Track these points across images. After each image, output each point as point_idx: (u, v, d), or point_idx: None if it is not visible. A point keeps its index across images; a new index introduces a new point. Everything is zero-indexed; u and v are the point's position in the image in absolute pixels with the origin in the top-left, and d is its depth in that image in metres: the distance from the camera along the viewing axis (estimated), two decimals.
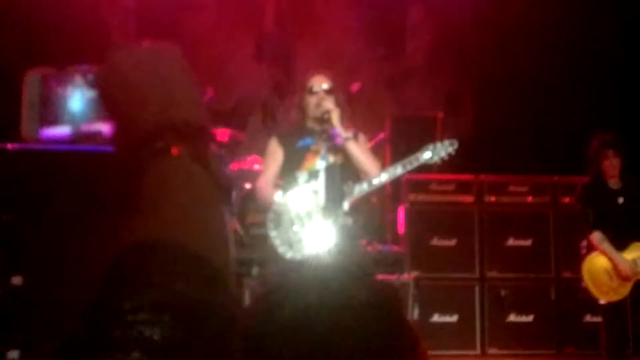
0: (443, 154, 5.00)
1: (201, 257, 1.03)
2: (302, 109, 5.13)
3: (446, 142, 5.03)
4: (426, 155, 4.97)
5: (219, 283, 1.04)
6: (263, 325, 1.08)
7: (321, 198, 4.88)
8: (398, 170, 4.92)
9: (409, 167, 4.93)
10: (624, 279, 5.82)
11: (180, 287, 0.97)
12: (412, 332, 1.32)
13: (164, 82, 1.28)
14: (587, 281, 5.95)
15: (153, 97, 1.24)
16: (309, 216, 4.86)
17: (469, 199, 7.48)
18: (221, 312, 1.02)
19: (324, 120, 4.97)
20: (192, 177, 1.21)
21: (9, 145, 6.07)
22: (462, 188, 7.49)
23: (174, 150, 1.23)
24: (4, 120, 6.17)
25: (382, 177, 4.92)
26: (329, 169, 4.90)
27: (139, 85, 1.26)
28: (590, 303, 6.19)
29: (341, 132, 4.90)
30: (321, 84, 5.09)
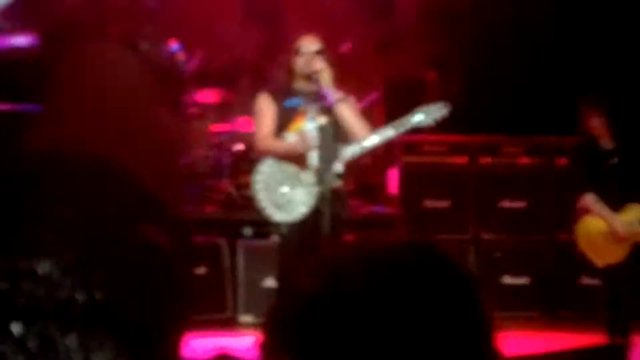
0: (435, 116, 4.93)
1: (125, 173, 0.76)
2: (290, 70, 5.05)
3: (439, 105, 4.96)
4: (418, 117, 4.90)
5: (152, 208, 0.77)
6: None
7: (312, 159, 4.81)
8: (389, 132, 4.85)
9: (401, 130, 4.87)
10: (619, 240, 5.74)
11: (94, 221, 0.73)
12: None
13: None
14: (583, 244, 5.87)
15: None
16: (297, 177, 4.79)
17: (462, 160, 7.40)
18: (154, 253, 0.75)
19: (314, 80, 4.87)
20: (119, 61, 0.94)
21: None
22: (456, 149, 7.40)
23: (98, 30, 0.95)
24: None
25: (374, 139, 4.84)
26: (322, 130, 4.81)
27: None
28: (586, 265, 6.12)
29: (332, 92, 4.81)
30: (310, 44, 5.00)
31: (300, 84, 4.99)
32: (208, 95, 7.63)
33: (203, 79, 7.76)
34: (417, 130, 5.19)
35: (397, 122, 4.87)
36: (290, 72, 5.03)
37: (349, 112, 4.88)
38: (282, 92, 5.04)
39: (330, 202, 4.58)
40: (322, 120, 4.85)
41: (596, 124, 5.91)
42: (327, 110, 4.85)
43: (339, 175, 4.76)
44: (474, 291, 1.11)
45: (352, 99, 5.10)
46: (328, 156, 4.74)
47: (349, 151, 4.80)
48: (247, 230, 6.49)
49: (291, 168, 4.82)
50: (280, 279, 5.03)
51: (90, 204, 0.72)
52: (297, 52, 5.00)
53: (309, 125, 4.86)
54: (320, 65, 4.87)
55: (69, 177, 0.74)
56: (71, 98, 0.84)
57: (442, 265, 1.12)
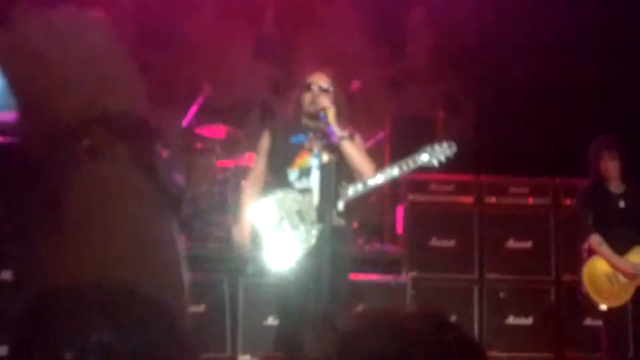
0: (441, 157, 4.87)
1: (146, 295, 0.84)
2: (299, 106, 5.02)
3: (445, 144, 4.89)
4: (423, 157, 4.85)
5: (168, 322, 0.85)
6: None
7: (314, 197, 4.78)
8: (394, 171, 4.80)
9: (406, 169, 4.81)
10: (630, 278, 5.72)
11: (121, 336, 0.80)
12: None
13: (91, 60, 0.98)
14: (588, 286, 5.85)
15: (78, 80, 0.96)
16: (300, 216, 4.77)
17: (468, 199, 7.40)
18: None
19: (319, 117, 4.85)
20: (130, 185, 0.95)
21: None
22: (462, 188, 7.41)
23: (107, 150, 0.95)
24: None
25: (378, 178, 4.80)
26: (324, 168, 4.78)
27: (58, 63, 0.96)
28: (590, 306, 6.08)
29: (337, 130, 4.79)
30: (318, 81, 4.98)
31: (307, 121, 4.97)
32: (215, 131, 7.67)
33: (211, 115, 7.81)
34: (423, 169, 5.16)
35: (402, 161, 4.82)
36: (299, 108, 5.02)
37: (354, 151, 4.85)
38: (289, 128, 5.02)
39: (331, 240, 4.54)
40: (327, 157, 4.81)
41: (607, 167, 5.91)
42: (333, 147, 4.81)
43: (341, 214, 4.74)
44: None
45: (358, 138, 5.07)
46: (330, 194, 4.71)
47: (352, 190, 4.77)
48: (250, 268, 6.46)
49: (293, 206, 4.80)
50: (280, 318, 5.01)
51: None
52: (306, 87, 4.98)
53: (313, 162, 4.84)
54: (326, 103, 4.85)
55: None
56: (84, 220, 0.85)
57: (454, 336, 1.15)
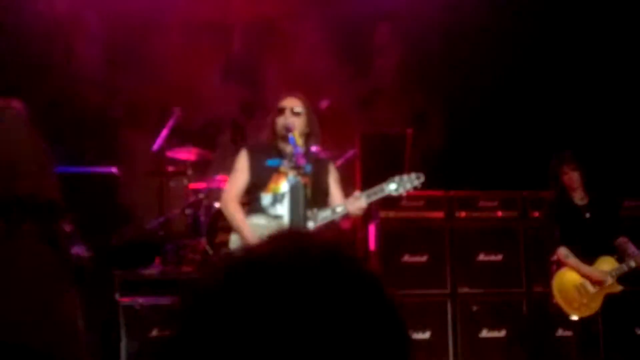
0: (409, 186, 4.95)
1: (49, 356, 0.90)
2: (274, 130, 5.03)
3: (413, 175, 4.98)
4: (391, 187, 4.92)
5: None
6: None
7: (285, 221, 4.81)
8: (362, 201, 4.86)
9: (374, 198, 4.89)
10: (599, 284, 5.81)
11: None
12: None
13: (4, 148, 1.07)
14: (558, 297, 5.94)
15: None
16: None
17: (439, 214, 7.46)
18: None
19: (288, 140, 4.88)
20: (39, 261, 1.03)
21: None
22: (433, 204, 7.47)
23: (19, 230, 1.04)
24: None
25: (347, 207, 4.86)
26: (293, 191, 4.80)
27: None
28: (561, 317, 6.17)
29: (339, 207, 4.83)
30: (291, 105, 5.00)
31: (282, 145, 4.99)
32: (186, 153, 7.68)
33: (181, 137, 7.82)
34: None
35: (370, 191, 4.88)
36: (274, 132, 5.03)
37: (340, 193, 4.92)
38: (265, 150, 5.03)
39: None
40: (301, 182, 4.82)
41: (570, 178, 6.02)
42: (305, 171, 4.82)
43: None
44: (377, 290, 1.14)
45: (332, 166, 5.13)
46: (299, 218, 4.72)
47: (321, 215, 4.81)
48: None
49: (265, 228, 4.82)
50: None
51: None
52: (279, 111, 4.98)
53: (286, 187, 4.86)
54: (297, 126, 4.87)
55: None
56: None
57: (348, 269, 1.14)
